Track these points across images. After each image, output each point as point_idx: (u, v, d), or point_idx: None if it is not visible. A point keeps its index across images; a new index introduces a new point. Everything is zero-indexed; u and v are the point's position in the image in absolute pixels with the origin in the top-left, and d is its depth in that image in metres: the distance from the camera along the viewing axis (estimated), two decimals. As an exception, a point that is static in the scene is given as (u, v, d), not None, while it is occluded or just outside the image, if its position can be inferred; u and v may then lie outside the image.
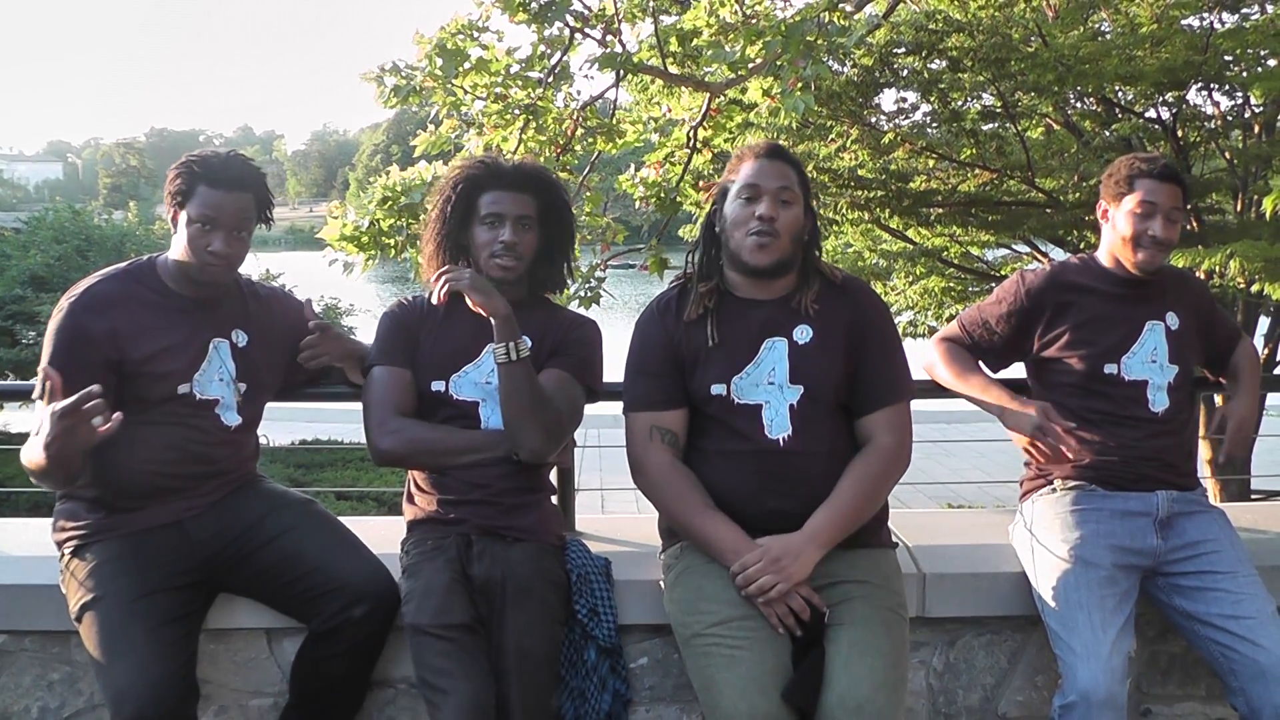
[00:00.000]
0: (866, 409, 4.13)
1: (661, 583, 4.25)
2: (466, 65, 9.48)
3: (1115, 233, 4.51)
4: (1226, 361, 4.79)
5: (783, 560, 3.83)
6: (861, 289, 4.32)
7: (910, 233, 15.22)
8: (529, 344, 4.11)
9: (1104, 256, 4.59)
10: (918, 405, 4.27)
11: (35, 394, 4.05)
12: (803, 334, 4.10)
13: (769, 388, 4.06)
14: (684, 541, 4.14)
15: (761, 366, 4.07)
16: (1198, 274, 11.58)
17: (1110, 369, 4.45)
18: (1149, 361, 4.46)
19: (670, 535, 4.26)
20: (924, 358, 4.77)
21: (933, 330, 15.86)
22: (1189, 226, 13.27)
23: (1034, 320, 4.54)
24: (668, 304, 4.26)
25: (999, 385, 4.58)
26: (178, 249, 4.18)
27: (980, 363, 4.70)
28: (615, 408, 4.33)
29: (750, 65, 8.84)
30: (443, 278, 4.11)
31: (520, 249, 4.29)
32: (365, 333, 4.79)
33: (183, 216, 4.12)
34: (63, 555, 4.19)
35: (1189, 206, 13.06)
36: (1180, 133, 13.28)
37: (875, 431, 4.12)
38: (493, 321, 4.07)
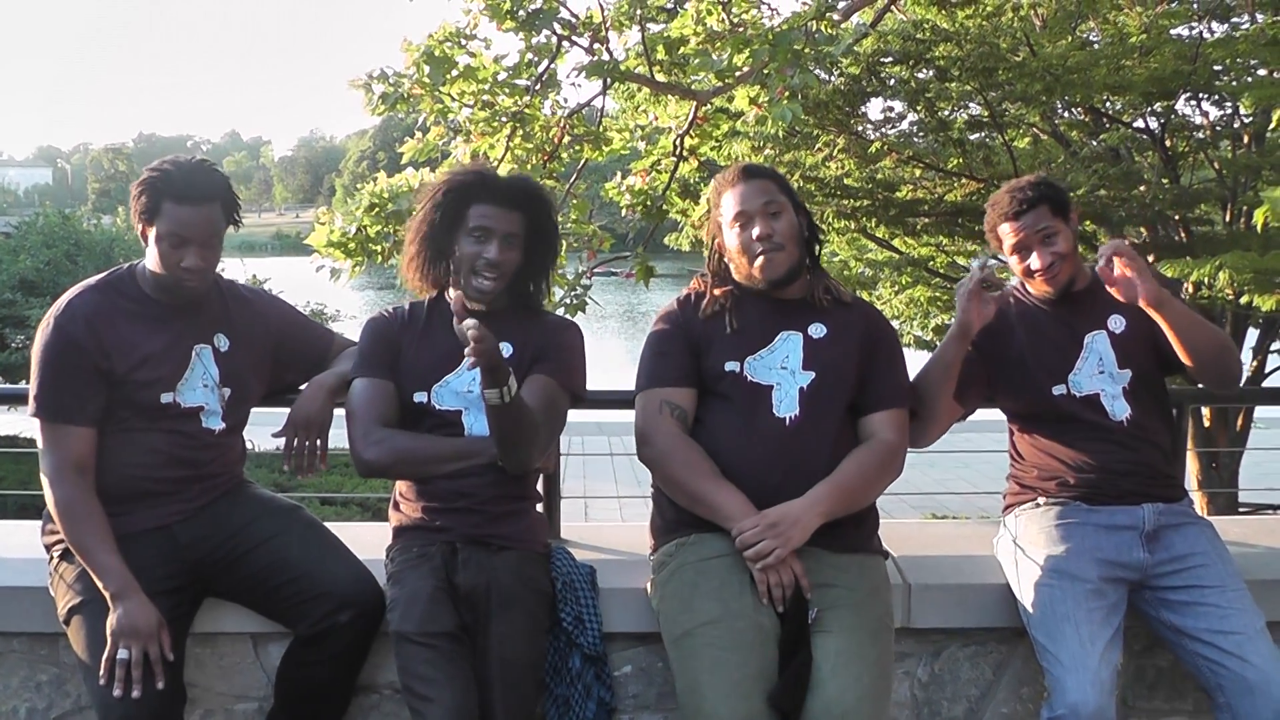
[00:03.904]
0: (872, 407, 4.28)
1: (649, 583, 4.27)
2: (454, 73, 9.47)
3: (1018, 275, 4.54)
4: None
5: (780, 525, 3.90)
6: (870, 308, 4.52)
7: (896, 242, 15.27)
8: (515, 384, 3.98)
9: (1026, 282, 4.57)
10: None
11: (30, 411, 4.07)
12: (818, 330, 4.25)
13: (781, 372, 4.18)
14: (679, 538, 4.16)
15: (776, 353, 4.21)
16: (1186, 285, 11.58)
17: (1059, 390, 4.43)
18: (1097, 373, 4.43)
19: (664, 532, 4.27)
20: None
21: (919, 340, 15.93)
22: (1177, 238, 13.30)
23: (981, 356, 4.48)
24: (688, 297, 4.41)
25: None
26: (151, 261, 4.17)
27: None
28: (598, 415, 4.34)
29: (737, 74, 8.84)
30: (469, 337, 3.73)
31: (504, 268, 4.24)
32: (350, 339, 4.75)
33: (151, 232, 4.08)
34: (51, 558, 4.19)
35: (1175, 215, 13.14)
36: (1169, 143, 13.31)
37: (879, 429, 4.25)
38: (479, 370, 3.87)
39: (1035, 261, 4.38)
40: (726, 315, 4.25)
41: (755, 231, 4.18)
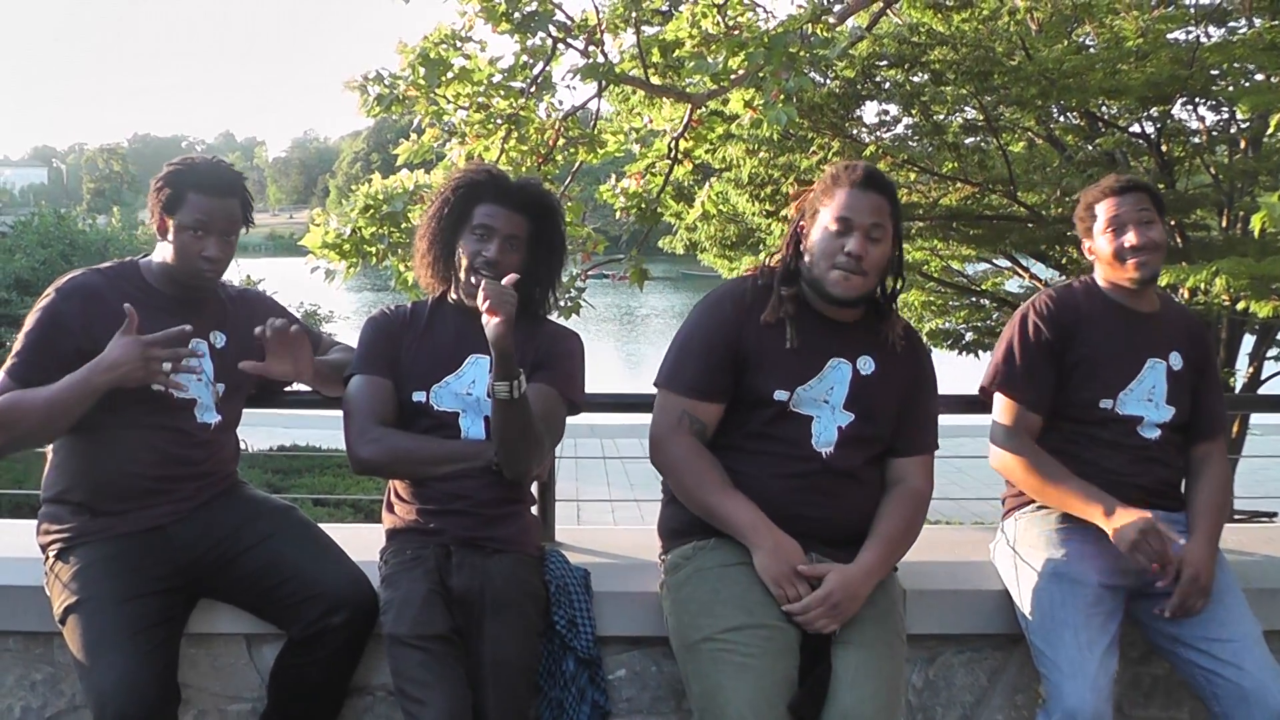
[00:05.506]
0: (905, 451, 4.24)
1: (660, 585, 4.23)
2: (449, 75, 9.51)
3: (1101, 261, 4.46)
4: (1197, 438, 4.54)
5: (842, 605, 3.86)
6: (919, 343, 4.42)
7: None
8: (524, 381, 4.01)
9: (1102, 282, 4.50)
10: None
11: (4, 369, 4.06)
12: (866, 365, 4.15)
13: (823, 405, 4.09)
14: (696, 541, 4.12)
15: (824, 382, 4.10)
16: (1182, 291, 11.57)
17: (1106, 404, 4.37)
18: (1145, 400, 4.38)
19: (678, 534, 4.22)
20: (998, 460, 4.52)
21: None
22: (1174, 242, 13.29)
23: (1064, 348, 4.41)
24: (743, 294, 4.20)
25: (1097, 493, 4.27)
26: (164, 254, 4.20)
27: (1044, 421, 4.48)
28: (591, 419, 4.31)
29: (732, 77, 8.83)
30: (486, 291, 3.88)
31: (502, 269, 4.19)
32: (345, 340, 4.76)
33: (172, 223, 4.14)
34: (47, 558, 4.18)
35: (1171, 220, 13.13)
36: (1165, 148, 13.32)
37: (911, 475, 4.22)
38: (492, 354, 3.92)
39: (1131, 238, 4.31)
40: (788, 326, 4.09)
41: (848, 246, 3.98)
